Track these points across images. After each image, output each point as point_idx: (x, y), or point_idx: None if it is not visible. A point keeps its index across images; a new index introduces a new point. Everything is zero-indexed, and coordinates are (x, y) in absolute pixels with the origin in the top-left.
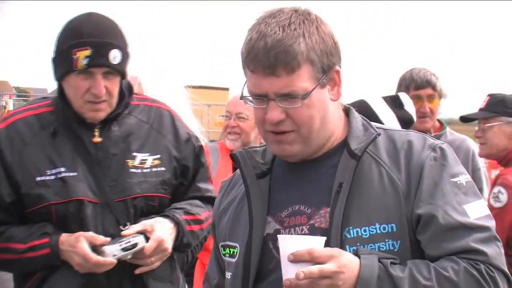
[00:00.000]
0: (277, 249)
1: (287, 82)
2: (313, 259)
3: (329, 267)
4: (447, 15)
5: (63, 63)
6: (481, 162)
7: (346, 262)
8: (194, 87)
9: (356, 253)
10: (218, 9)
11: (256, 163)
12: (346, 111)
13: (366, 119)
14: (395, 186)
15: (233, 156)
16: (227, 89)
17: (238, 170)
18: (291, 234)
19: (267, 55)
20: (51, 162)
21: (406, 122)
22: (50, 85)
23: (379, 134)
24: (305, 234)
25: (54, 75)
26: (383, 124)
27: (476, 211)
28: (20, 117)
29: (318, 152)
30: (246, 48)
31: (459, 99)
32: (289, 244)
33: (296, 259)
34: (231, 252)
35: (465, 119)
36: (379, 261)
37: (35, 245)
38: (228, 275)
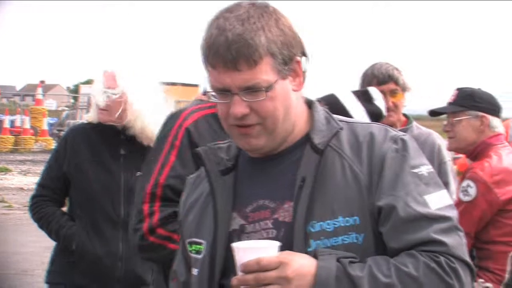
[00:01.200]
0: None
1: (250, 75)
2: (261, 269)
3: (271, 274)
4: (415, 10)
5: None
6: (448, 156)
7: (298, 266)
8: (163, 83)
9: (314, 254)
10: (187, 5)
11: (220, 159)
12: (309, 104)
13: (329, 112)
14: (358, 179)
15: (196, 154)
16: (196, 85)
17: (203, 167)
18: (256, 229)
19: (229, 50)
20: None
21: (375, 116)
22: (18, 82)
23: (341, 128)
24: (269, 228)
25: None
26: (352, 118)
27: (437, 201)
28: (204, 113)
29: (281, 147)
30: (207, 44)
31: (427, 94)
32: (240, 253)
33: (246, 270)
34: (197, 249)
35: (434, 113)
36: (337, 261)
37: None
38: (195, 271)
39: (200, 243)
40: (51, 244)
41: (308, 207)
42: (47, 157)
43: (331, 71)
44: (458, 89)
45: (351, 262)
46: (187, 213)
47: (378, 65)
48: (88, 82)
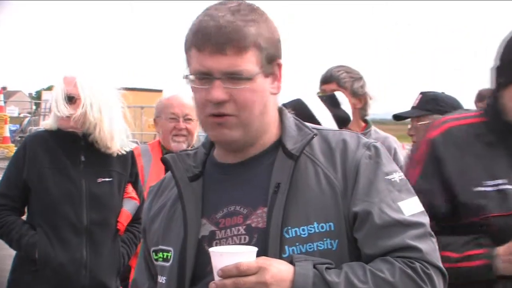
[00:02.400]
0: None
1: (235, 61)
2: (240, 273)
3: (250, 279)
4: (377, 16)
5: (508, 73)
6: (403, 160)
7: (277, 271)
8: (127, 89)
9: (290, 260)
10: (152, 9)
11: (188, 166)
12: (278, 111)
13: (298, 119)
14: (332, 185)
15: (164, 160)
16: (160, 91)
17: (168, 174)
18: (227, 235)
19: (219, 33)
20: (488, 173)
21: (342, 121)
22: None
23: (316, 134)
24: (241, 234)
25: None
26: (319, 123)
27: (411, 207)
28: (453, 124)
29: (250, 152)
30: (195, 28)
31: (391, 100)
32: (218, 259)
33: (224, 275)
34: (165, 256)
35: (398, 117)
36: (314, 267)
37: (471, 255)
38: (162, 279)
39: (167, 251)
40: (11, 252)
41: (283, 213)
42: None
43: (293, 75)
44: (422, 93)
45: (327, 268)
46: (151, 221)
47: (333, 67)
48: (50, 88)
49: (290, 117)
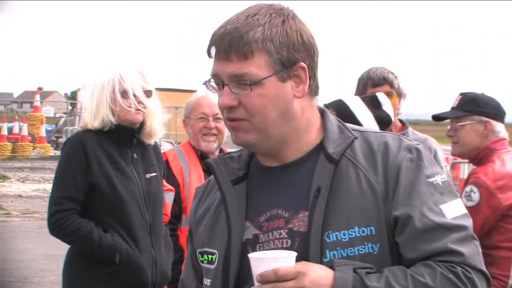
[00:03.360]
0: None
1: (239, 66)
2: (279, 279)
3: (288, 284)
4: (379, 16)
5: None
6: (443, 162)
7: (316, 276)
8: (161, 89)
9: (331, 265)
10: (186, 9)
11: (231, 170)
12: (321, 113)
13: (341, 121)
14: (373, 189)
15: (207, 165)
16: (194, 91)
17: (212, 176)
18: (270, 238)
19: (223, 40)
20: None
21: (383, 122)
22: (16, 89)
23: (356, 138)
24: (283, 238)
25: None
26: (360, 124)
27: (453, 210)
28: None
29: (290, 155)
30: (211, 35)
31: (426, 99)
32: (257, 264)
33: (263, 280)
34: (210, 259)
35: (437, 118)
36: (354, 272)
37: None
38: (207, 281)
39: (212, 253)
40: (49, 251)
41: (324, 217)
42: (45, 164)
43: (333, 76)
44: (462, 94)
45: (367, 272)
46: (197, 223)
47: (374, 68)
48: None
49: (332, 119)
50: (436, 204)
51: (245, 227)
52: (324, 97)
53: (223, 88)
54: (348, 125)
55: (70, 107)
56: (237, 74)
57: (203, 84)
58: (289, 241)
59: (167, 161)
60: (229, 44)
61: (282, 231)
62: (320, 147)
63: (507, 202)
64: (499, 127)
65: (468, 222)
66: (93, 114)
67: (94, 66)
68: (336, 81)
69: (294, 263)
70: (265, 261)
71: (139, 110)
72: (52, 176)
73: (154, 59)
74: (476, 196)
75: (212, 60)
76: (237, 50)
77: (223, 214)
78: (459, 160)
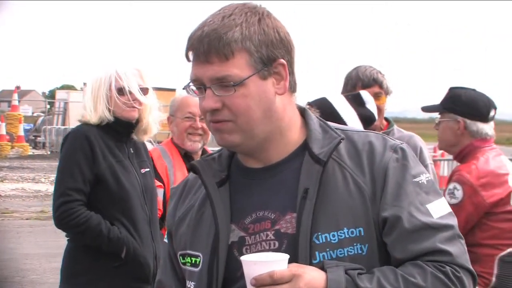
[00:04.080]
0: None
1: (220, 68)
2: (274, 282)
3: (284, 287)
4: (377, 16)
5: None
6: (429, 159)
7: (310, 278)
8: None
9: (322, 266)
10: (162, 8)
11: (214, 171)
12: (301, 112)
13: (322, 119)
14: (361, 190)
15: (192, 167)
16: (173, 90)
17: (190, 176)
18: (257, 240)
19: (201, 43)
20: None
21: (367, 120)
22: None
23: (343, 139)
24: (270, 240)
25: None
26: (344, 122)
27: (439, 209)
28: None
29: (274, 156)
30: (188, 37)
31: (426, 99)
32: (251, 267)
33: (258, 284)
34: (193, 261)
35: (425, 109)
36: (345, 273)
37: None
38: (191, 284)
39: (196, 256)
40: (29, 251)
41: (312, 218)
42: (23, 163)
43: (331, 76)
44: (449, 89)
45: (359, 273)
46: (177, 225)
47: (363, 68)
48: (64, 87)
49: (314, 118)
50: (422, 203)
51: (230, 230)
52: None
53: (205, 91)
54: (331, 124)
55: (48, 106)
56: (219, 77)
57: (183, 88)
58: (277, 243)
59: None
60: (208, 46)
61: (268, 232)
62: (304, 147)
63: (490, 200)
64: (475, 126)
65: (454, 221)
66: (91, 110)
67: (72, 66)
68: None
69: (287, 265)
70: (258, 264)
71: (134, 107)
72: (31, 175)
73: (134, 58)
74: (459, 193)
75: (191, 64)
76: (217, 52)
77: (206, 216)
78: (439, 157)
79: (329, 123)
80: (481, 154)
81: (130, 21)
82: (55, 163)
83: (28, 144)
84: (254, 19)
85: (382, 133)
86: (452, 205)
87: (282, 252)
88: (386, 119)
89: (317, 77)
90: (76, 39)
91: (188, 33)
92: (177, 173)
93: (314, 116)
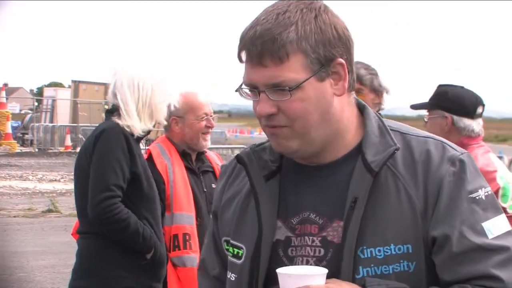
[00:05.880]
0: (288, 258)
1: (275, 72)
2: None
3: None
4: (377, 16)
5: None
6: None
7: None
8: None
9: (363, 284)
10: (153, 7)
11: (264, 163)
12: (360, 108)
13: (381, 118)
14: (413, 204)
15: (239, 159)
16: None
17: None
18: (302, 244)
19: (254, 44)
20: None
21: None
22: None
23: (398, 149)
24: (316, 246)
25: None
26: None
27: (496, 228)
28: None
29: (328, 156)
30: (240, 36)
31: (391, 99)
32: (287, 280)
33: None
34: (235, 252)
35: (413, 107)
36: None
37: None
38: (232, 276)
39: (239, 247)
40: (15, 249)
41: (359, 231)
42: (11, 160)
43: None
44: (438, 86)
45: None
46: (223, 209)
47: None
48: (52, 85)
49: (373, 117)
50: (477, 222)
51: (276, 227)
52: None
53: (259, 95)
54: (392, 123)
55: (36, 104)
56: (274, 82)
57: (236, 91)
58: (322, 250)
59: (151, 157)
60: (261, 47)
61: (315, 238)
62: (359, 150)
63: None
64: (463, 122)
65: (510, 242)
66: (142, 122)
67: (60, 63)
68: None
69: (324, 281)
70: (294, 278)
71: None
72: (19, 173)
73: (118, 55)
74: None
75: (243, 65)
76: (271, 54)
77: (252, 208)
78: None
79: (390, 122)
80: (469, 151)
81: (120, 19)
82: (43, 161)
83: (15, 141)
84: (311, 16)
85: None
86: None
87: (326, 260)
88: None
89: None
90: (64, 36)
91: (170, 32)
92: (176, 172)
93: (373, 115)
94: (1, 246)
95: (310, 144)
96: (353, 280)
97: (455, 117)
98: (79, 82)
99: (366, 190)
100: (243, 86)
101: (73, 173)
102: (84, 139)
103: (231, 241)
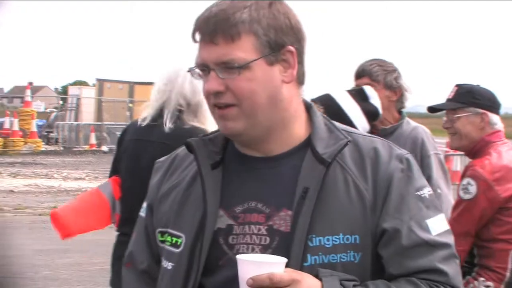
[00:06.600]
0: (228, 245)
1: (226, 50)
2: (273, 285)
3: None
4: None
5: None
6: (432, 150)
7: (307, 286)
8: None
9: (315, 273)
10: (177, 7)
11: (209, 152)
12: (307, 106)
13: (327, 118)
14: (362, 197)
15: (187, 144)
16: None
17: (179, 151)
18: (246, 232)
19: (208, 23)
20: None
21: (372, 115)
22: (5, 84)
23: (350, 141)
24: (262, 234)
25: None
26: (348, 117)
27: (438, 226)
28: None
29: (273, 149)
30: (195, 19)
31: (420, 93)
32: (248, 267)
33: (255, 284)
34: (173, 241)
35: (432, 109)
36: (340, 284)
37: None
38: (169, 265)
39: (177, 236)
40: (41, 247)
41: (310, 220)
42: (36, 159)
43: (327, 70)
44: (457, 85)
45: (354, 285)
46: (160, 200)
47: (366, 60)
48: (77, 83)
49: (319, 115)
50: (423, 218)
51: (218, 215)
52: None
53: (209, 73)
54: (337, 124)
55: (60, 102)
56: (224, 59)
57: (188, 71)
58: (268, 239)
59: None
60: (214, 26)
61: (261, 226)
62: (307, 144)
63: (505, 194)
64: (495, 118)
65: (451, 240)
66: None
67: (85, 62)
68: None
69: (284, 269)
70: (256, 264)
71: None
72: (44, 171)
73: (142, 54)
74: (473, 188)
75: (197, 45)
76: (223, 32)
77: (194, 197)
78: (451, 152)
79: (335, 123)
80: (493, 149)
81: (144, 18)
82: (68, 159)
83: (40, 140)
84: (265, 3)
85: (391, 126)
86: (466, 201)
87: (272, 248)
88: (400, 113)
89: (336, 74)
90: (89, 35)
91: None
92: None
93: (319, 114)
94: (27, 244)
95: (255, 127)
96: (301, 268)
97: (489, 114)
98: (104, 80)
99: (318, 180)
100: (195, 66)
101: (97, 171)
102: (108, 137)
103: (170, 230)
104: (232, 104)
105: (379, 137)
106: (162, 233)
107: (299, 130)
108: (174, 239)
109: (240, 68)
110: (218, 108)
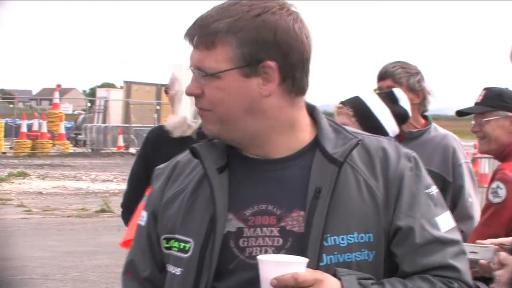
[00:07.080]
0: (239, 248)
1: (201, 56)
2: (298, 285)
3: None
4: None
5: None
6: (463, 158)
7: (329, 285)
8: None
9: (334, 273)
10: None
11: (214, 157)
12: (310, 111)
13: (333, 120)
14: (374, 195)
15: (193, 150)
16: None
17: (181, 157)
18: (257, 234)
19: (192, 28)
20: None
21: (401, 117)
22: (34, 86)
23: (360, 140)
24: (274, 236)
25: None
26: (378, 120)
27: (445, 223)
28: None
29: (278, 152)
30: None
31: (448, 96)
32: (271, 267)
33: (280, 284)
34: (181, 247)
35: (461, 113)
36: (359, 283)
37: None
38: (177, 270)
39: (186, 241)
40: (70, 248)
41: (325, 219)
42: (64, 161)
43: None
44: (486, 89)
45: (372, 284)
46: (165, 207)
47: (389, 62)
48: (105, 85)
49: (324, 117)
50: (433, 216)
51: (227, 219)
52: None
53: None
54: (341, 125)
55: (88, 104)
56: (198, 65)
57: (192, 71)
58: (281, 240)
59: None
60: (194, 31)
61: (273, 228)
62: (314, 145)
63: None
64: None
65: (459, 236)
66: None
67: (113, 64)
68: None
69: (305, 269)
70: (279, 264)
71: None
72: (72, 173)
73: (170, 56)
74: (502, 192)
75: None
76: (200, 38)
77: (201, 201)
78: (479, 155)
79: (339, 124)
80: None
81: (172, 20)
82: (96, 161)
83: (69, 142)
84: (253, 14)
85: (417, 131)
86: (495, 204)
87: (285, 249)
88: (425, 116)
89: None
90: (118, 37)
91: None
92: None
93: (324, 116)
94: (55, 246)
95: (233, 132)
96: (317, 268)
97: None
98: (131, 82)
99: (331, 180)
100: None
101: (125, 173)
102: (136, 139)
103: (177, 236)
104: (207, 109)
105: (383, 137)
106: (168, 240)
107: (302, 134)
108: (182, 244)
109: (211, 76)
110: (199, 109)
